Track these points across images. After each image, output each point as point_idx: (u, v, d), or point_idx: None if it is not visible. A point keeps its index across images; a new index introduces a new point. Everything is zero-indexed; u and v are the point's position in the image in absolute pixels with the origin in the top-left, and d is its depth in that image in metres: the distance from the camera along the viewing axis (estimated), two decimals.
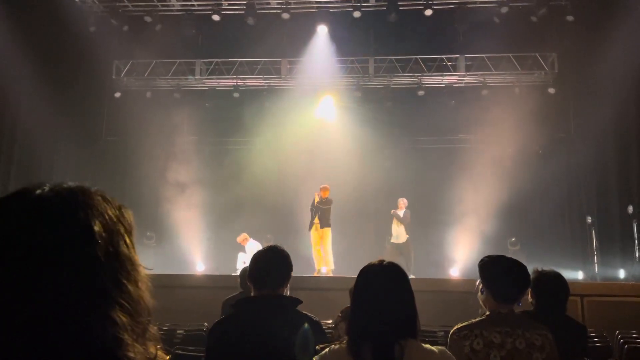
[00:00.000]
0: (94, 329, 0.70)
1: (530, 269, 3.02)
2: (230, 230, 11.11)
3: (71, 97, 12.02)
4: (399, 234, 10.54)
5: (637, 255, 9.88)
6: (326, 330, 2.71)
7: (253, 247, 9.77)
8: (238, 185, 11.96)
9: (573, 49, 11.99)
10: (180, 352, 4.03)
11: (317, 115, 13.26)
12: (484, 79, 13.07)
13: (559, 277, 3.13)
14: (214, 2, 12.88)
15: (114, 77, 13.58)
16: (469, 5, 12.60)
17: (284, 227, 11.85)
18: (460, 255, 11.62)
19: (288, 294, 2.67)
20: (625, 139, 10.78)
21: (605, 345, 5.24)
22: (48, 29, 11.39)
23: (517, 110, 11.58)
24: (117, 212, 0.80)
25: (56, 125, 11.65)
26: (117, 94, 13.43)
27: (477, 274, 2.54)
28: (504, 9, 12.19)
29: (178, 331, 5.45)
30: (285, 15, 12.73)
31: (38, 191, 0.76)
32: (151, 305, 0.79)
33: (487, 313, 2.45)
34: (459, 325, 2.41)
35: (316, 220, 9.75)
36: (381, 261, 1.92)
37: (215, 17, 12.79)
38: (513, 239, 12.09)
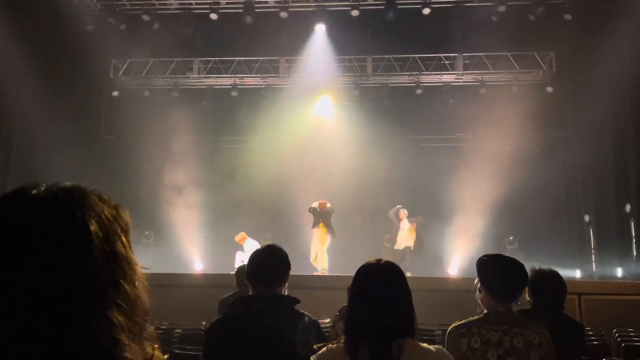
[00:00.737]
0: (91, 329, 0.70)
1: (528, 267, 3.02)
2: (229, 229, 11.10)
3: (69, 96, 11.99)
4: (403, 241, 10.62)
5: (634, 253, 9.91)
6: (324, 330, 2.71)
7: (251, 246, 9.77)
8: (236, 184, 11.95)
9: (571, 48, 12.00)
10: (178, 351, 4.03)
11: (315, 114, 13.26)
12: (482, 77, 13.08)
13: (556, 275, 3.14)
14: (211, 1, 12.86)
15: (111, 75, 13.55)
16: (467, 4, 12.61)
17: (282, 226, 11.84)
18: (458, 253, 11.64)
19: (286, 293, 2.67)
20: (622, 137, 10.80)
21: (603, 343, 5.26)
22: (46, 27, 11.37)
23: (515, 109, 11.59)
24: (114, 211, 0.79)
25: (54, 124, 11.62)
26: (115, 93, 13.41)
27: (475, 272, 2.55)
28: (502, 8, 12.18)
29: (176, 330, 5.45)
30: (284, 14, 12.71)
31: (34, 191, 0.76)
32: (148, 305, 0.79)
33: (485, 311, 2.45)
34: (457, 323, 2.41)
35: (321, 225, 9.99)
36: (379, 260, 1.92)
37: (213, 16, 12.76)
38: (511, 238, 12.10)
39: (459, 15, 12.48)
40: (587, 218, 11.64)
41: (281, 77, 13.54)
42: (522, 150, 11.92)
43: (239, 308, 2.51)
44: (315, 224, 10.29)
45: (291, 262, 2.61)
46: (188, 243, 12.40)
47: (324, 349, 1.83)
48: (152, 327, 0.81)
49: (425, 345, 1.79)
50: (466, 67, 13.16)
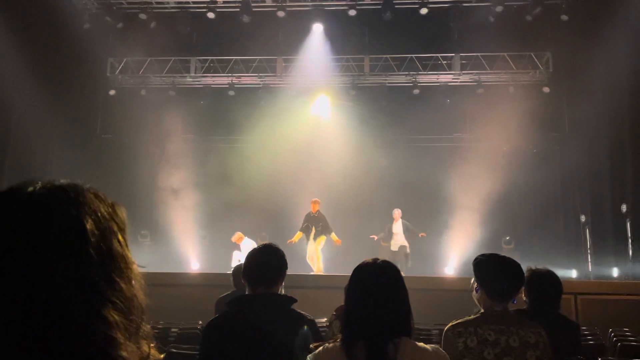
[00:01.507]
0: (87, 327, 0.69)
1: (525, 267, 3.03)
2: (225, 228, 11.10)
3: (65, 94, 11.96)
4: (397, 242, 10.62)
5: (630, 253, 9.94)
6: (320, 329, 2.71)
7: (248, 245, 9.76)
8: (233, 184, 11.93)
9: (567, 49, 12.03)
10: (174, 350, 4.02)
11: (312, 113, 13.25)
12: (479, 77, 13.10)
13: (552, 275, 3.15)
14: (209, 0, 12.84)
15: (108, 74, 13.51)
16: (464, 4, 12.63)
17: (279, 225, 11.84)
18: (455, 253, 11.66)
19: (283, 292, 2.66)
20: (618, 137, 10.83)
21: (599, 343, 5.27)
22: (42, 26, 11.32)
23: (511, 109, 11.62)
24: (110, 209, 0.79)
25: (50, 123, 11.59)
26: (112, 92, 13.37)
27: (472, 272, 2.55)
28: (499, 8, 12.21)
29: (172, 329, 5.43)
30: (281, 13, 12.71)
31: (30, 189, 0.75)
32: (144, 303, 0.79)
33: (482, 311, 2.46)
34: (454, 323, 2.42)
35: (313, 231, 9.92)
36: (375, 259, 1.92)
37: (210, 15, 12.75)
38: (507, 238, 12.13)
39: (456, 15, 12.49)
40: (583, 218, 11.68)
41: (278, 76, 13.53)
42: (518, 150, 11.95)
43: (235, 307, 2.51)
44: (308, 234, 10.08)
45: (288, 261, 2.61)
46: (185, 242, 12.38)
47: (320, 348, 1.83)
48: (149, 326, 0.80)
49: (421, 344, 1.79)
50: (463, 67, 13.18)
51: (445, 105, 13.01)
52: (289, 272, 2.62)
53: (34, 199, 0.74)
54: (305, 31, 13.12)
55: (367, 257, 1.97)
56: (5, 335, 0.66)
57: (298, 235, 10.17)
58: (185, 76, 13.72)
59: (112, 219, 0.78)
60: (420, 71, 13.14)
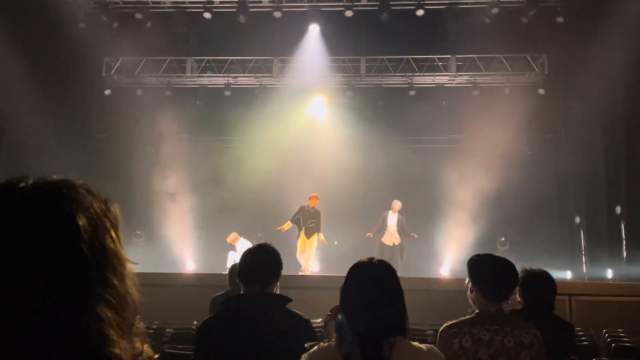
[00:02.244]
0: (79, 324, 0.69)
1: (519, 268, 3.04)
2: (221, 228, 11.07)
3: (60, 94, 11.91)
4: (391, 237, 10.62)
5: (624, 255, 9.98)
6: (316, 329, 2.71)
7: (244, 245, 9.74)
8: (229, 184, 11.91)
9: (563, 51, 12.07)
10: (169, 350, 4.01)
11: (308, 114, 13.25)
12: (475, 79, 13.13)
13: (546, 276, 3.15)
14: (205, 0, 12.82)
15: (103, 74, 13.46)
16: (461, 6, 12.65)
17: (275, 226, 11.82)
18: (450, 254, 11.68)
19: (278, 292, 2.66)
20: (613, 140, 10.88)
21: (593, 343, 5.30)
22: (37, 25, 11.28)
23: (507, 111, 11.65)
24: (103, 205, 0.79)
25: (45, 123, 11.54)
26: (107, 92, 13.31)
27: (467, 272, 2.56)
28: (495, 10, 12.25)
29: (167, 329, 5.42)
30: (277, 14, 12.70)
31: (21, 184, 0.75)
32: (138, 300, 0.78)
33: (477, 311, 2.46)
34: (449, 323, 2.42)
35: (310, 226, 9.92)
36: (371, 259, 1.92)
37: (207, 15, 12.72)
38: (502, 239, 12.16)
39: (452, 17, 12.52)
40: (577, 220, 11.71)
41: (275, 77, 13.52)
42: (513, 151, 11.97)
43: (230, 307, 2.50)
44: (299, 227, 10.09)
45: (283, 261, 2.61)
46: (180, 243, 12.34)
47: (316, 348, 1.83)
48: (142, 324, 0.80)
49: (416, 344, 1.79)
50: (459, 69, 13.21)
51: (441, 107, 13.02)
52: (284, 272, 2.62)
53: (26, 194, 0.73)
54: (301, 32, 13.11)
55: (363, 257, 1.97)
56: None
57: (287, 225, 10.25)
58: (182, 76, 13.70)
59: (105, 215, 0.78)
60: (417, 72, 13.16)
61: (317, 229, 10.03)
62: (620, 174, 10.64)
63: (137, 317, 0.79)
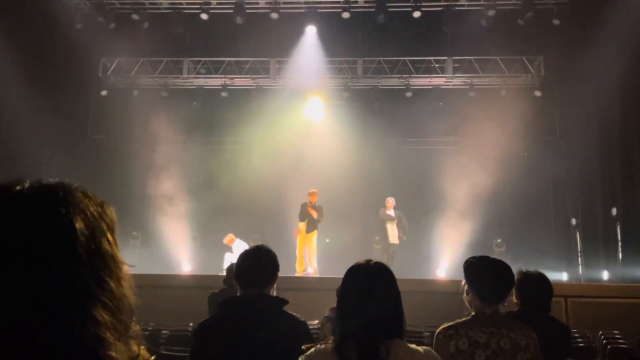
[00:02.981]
0: (76, 327, 0.69)
1: (516, 270, 3.05)
2: (217, 230, 11.06)
3: (56, 94, 11.87)
4: (393, 232, 10.65)
5: (620, 257, 10.01)
6: (312, 331, 2.71)
7: (240, 247, 9.74)
8: (225, 185, 11.90)
9: (559, 53, 12.12)
10: (165, 352, 4.00)
11: (305, 115, 13.25)
12: (472, 81, 13.16)
13: (543, 277, 3.16)
14: (202, 1, 12.81)
15: (100, 75, 13.44)
16: (457, 8, 12.68)
17: (272, 227, 11.82)
18: (447, 256, 11.69)
19: (275, 294, 2.66)
20: (609, 142, 10.91)
21: (589, 345, 5.31)
22: (34, 26, 11.25)
23: (503, 113, 11.68)
24: (99, 208, 0.78)
25: (41, 124, 11.50)
26: (104, 92, 13.29)
27: (463, 274, 2.56)
28: (491, 12, 12.28)
29: (163, 331, 5.41)
30: (274, 15, 12.69)
31: (18, 187, 0.75)
32: (134, 303, 0.78)
33: (473, 313, 2.46)
34: (445, 325, 2.42)
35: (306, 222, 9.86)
36: (368, 261, 1.92)
37: (204, 16, 12.71)
38: (499, 240, 12.18)
39: (449, 19, 12.54)
40: (574, 221, 11.75)
41: (271, 78, 13.52)
42: (510, 153, 12.00)
43: (227, 309, 2.50)
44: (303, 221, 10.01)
45: (280, 263, 2.61)
46: (176, 244, 12.32)
47: (312, 349, 1.83)
48: (138, 326, 0.80)
49: (413, 346, 1.79)
50: (456, 71, 13.24)
51: (438, 108, 13.05)
52: (281, 273, 2.62)
53: (22, 197, 0.73)
54: (298, 33, 13.11)
55: (360, 258, 1.97)
56: None
57: (301, 226, 10.07)
58: (178, 77, 13.68)
59: (102, 218, 0.78)
60: (413, 74, 13.18)
61: (316, 224, 9.99)
62: (616, 176, 10.67)
63: (134, 319, 0.79)
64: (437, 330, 2.43)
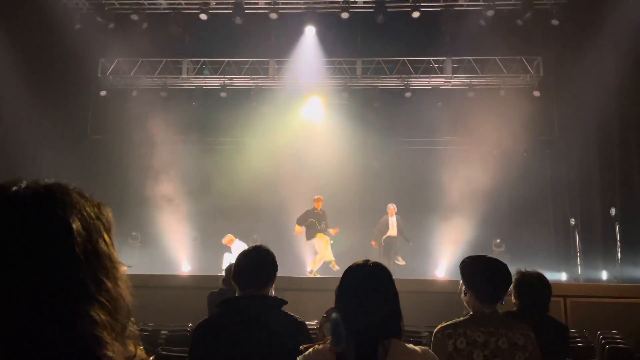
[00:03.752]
0: (73, 326, 0.69)
1: (514, 270, 3.05)
2: (216, 230, 11.06)
3: (55, 95, 11.88)
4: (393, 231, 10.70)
5: (619, 257, 10.02)
6: (311, 331, 2.71)
7: (239, 247, 9.73)
8: (224, 186, 11.89)
9: (558, 53, 12.14)
10: (163, 352, 4.00)
11: (304, 115, 13.25)
12: (470, 81, 13.17)
13: (541, 277, 3.16)
14: (201, 1, 12.81)
15: (99, 75, 13.43)
16: (456, 8, 12.69)
17: (271, 227, 11.81)
18: (445, 256, 11.69)
19: (273, 294, 2.66)
20: (608, 142, 10.93)
21: (587, 345, 5.31)
22: (33, 25, 11.24)
23: (502, 113, 11.69)
24: (96, 209, 0.79)
25: (41, 124, 11.50)
26: (103, 93, 13.29)
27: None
28: (490, 12, 12.30)
29: (162, 331, 5.40)
30: (273, 16, 12.70)
31: (14, 188, 0.75)
32: (131, 303, 0.79)
33: (471, 313, 2.46)
34: (443, 324, 2.42)
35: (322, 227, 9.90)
36: (366, 261, 1.92)
37: (203, 16, 12.71)
38: (498, 240, 12.19)
39: (448, 19, 12.55)
40: (572, 221, 11.75)
41: (271, 78, 13.52)
42: (509, 153, 12.01)
43: (226, 309, 2.50)
44: (315, 230, 10.01)
45: (279, 263, 2.61)
46: (175, 244, 12.32)
47: (311, 349, 1.83)
48: (135, 326, 0.80)
49: (411, 346, 1.79)
50: (455, 71, 13.25)
51: (437, 108, 13.06)
52: (280, 274, 2.62)
53: (19, 198, 0.73)
54: (297, 33, 13.12)
55: (359, 258, 1.97)
56: None
57: (299, 229, 10.11)
58: (177, 77, 13.68)
59: (98, 219, 0.78)
60: (412, 74, 13.19)
61: (327, 229, 10.07)
62: (614, 176, 10.68)
63: (131, 319, 0.79)
64: (435, 329, 2.43)
